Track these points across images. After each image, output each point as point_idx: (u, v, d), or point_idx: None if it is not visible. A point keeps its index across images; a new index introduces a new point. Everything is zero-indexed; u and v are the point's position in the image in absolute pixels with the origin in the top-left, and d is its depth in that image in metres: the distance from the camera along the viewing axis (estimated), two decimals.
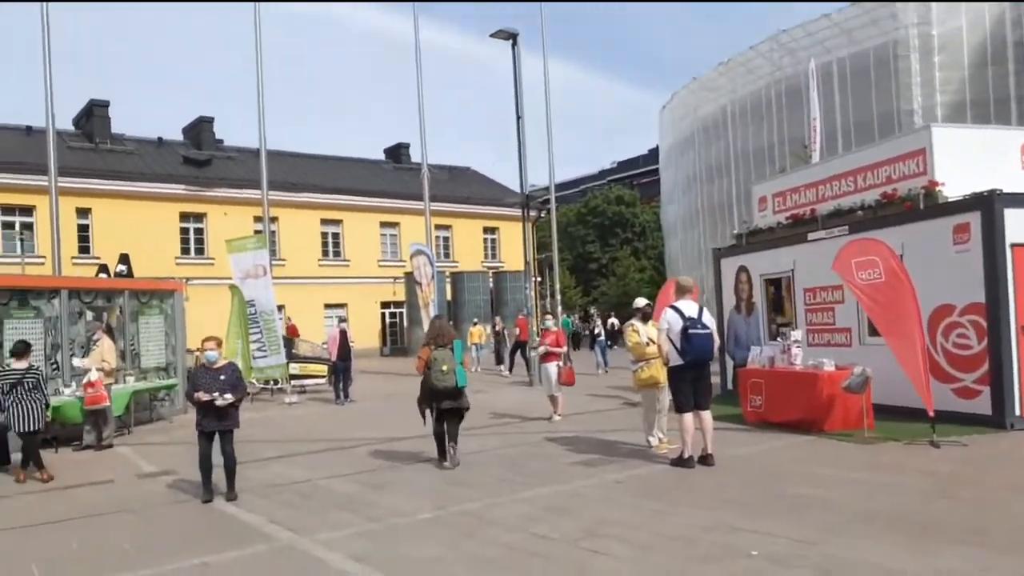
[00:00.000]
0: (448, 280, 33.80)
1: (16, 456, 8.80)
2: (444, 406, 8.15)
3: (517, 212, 39.65)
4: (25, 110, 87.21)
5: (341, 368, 15.91)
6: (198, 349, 19.69)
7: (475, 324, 24.12)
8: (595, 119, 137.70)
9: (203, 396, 6.83)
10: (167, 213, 30.52)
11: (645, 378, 8.12)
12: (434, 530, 5.71)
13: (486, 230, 40.09)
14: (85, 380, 10.44)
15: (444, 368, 7.96)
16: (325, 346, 20.02)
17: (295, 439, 11.01)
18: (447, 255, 37.10)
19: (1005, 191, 9.06)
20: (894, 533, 4.98)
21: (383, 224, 36.38)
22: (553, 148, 20.51)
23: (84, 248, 28.36)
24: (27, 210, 27.20)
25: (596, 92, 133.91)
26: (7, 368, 8.84)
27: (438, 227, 33.84)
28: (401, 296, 34.90)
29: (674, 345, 7.53)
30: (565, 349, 11.93)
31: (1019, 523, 5.16)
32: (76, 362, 11.26)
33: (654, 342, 8.02)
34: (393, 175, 39.83)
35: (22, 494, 7.80)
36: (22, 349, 8.87)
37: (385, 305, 36.04)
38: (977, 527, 5.05)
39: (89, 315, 12.22)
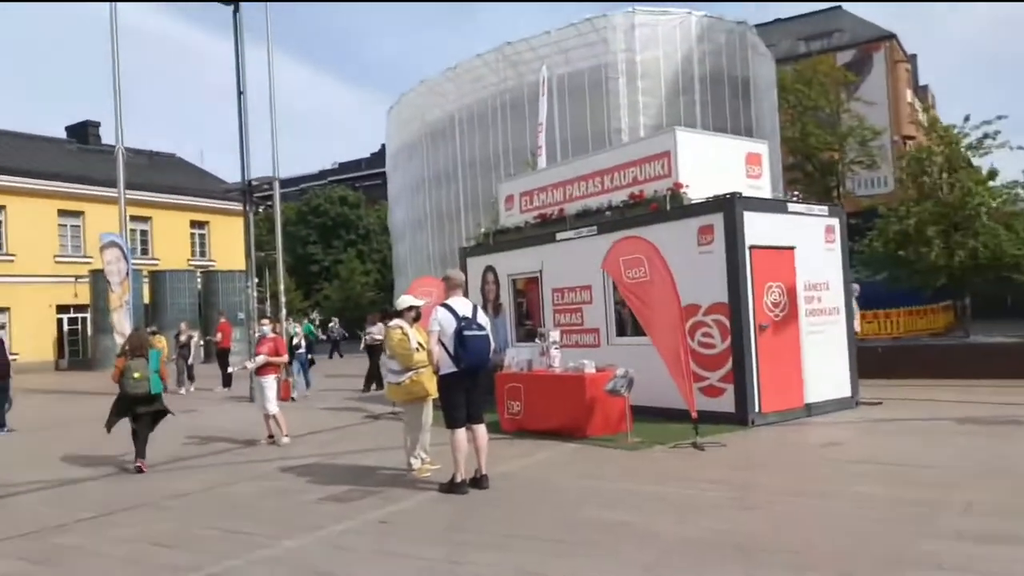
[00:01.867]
0: (146, 279, 29.36)
1: None
2: (139, 411, 8.46)
3: (230, 205, 36.24)
4: None
5: None
6: None
7: (154, 333, 17.88)
8: (313, 117, 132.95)
9: None
10: None
11: (416, 390, 6.92)
12: None
13: (194, 224, 35.85)
14: None
15: (136, 375, 8.33)
16: None
17: None
18: (145, 251, 32.39)
19: (744, 195, 9.45)
20: (726, 563, 4.39)
21: (63, 212, 30.65)
22: (276, 131, 18.37)
23: None
24: None
25: (314, 89, 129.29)
26: None
27: (135, 219, 29.19)
28: (85, 299, 29.61)
29: (447, 350, 6.45)
30: (285, 359, 10.53)
31: (831, 539, 4.89)
32: None
33: (423, 347, 6.86)
34: (77, 157, 33.96)
35: None
36: None
37: (63, 309, 30.37)
38: (794, 546, 4.67)
39: None
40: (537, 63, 31.90)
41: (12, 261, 28.81)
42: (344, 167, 74.23)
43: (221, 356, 18.76)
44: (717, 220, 9.40)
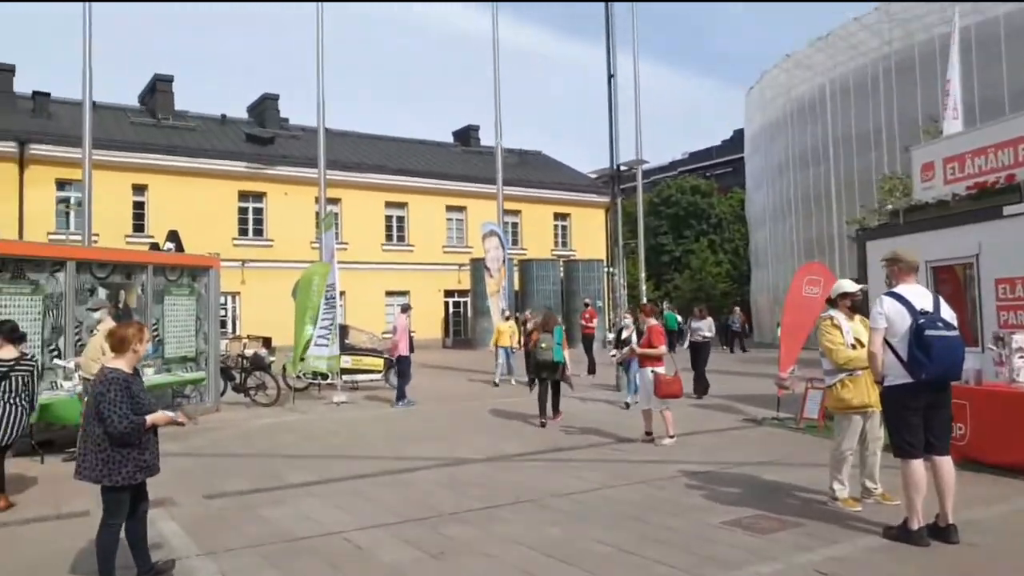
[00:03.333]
0: (516, 268, 31.39)
1: None
2: (544, 376, 10.44)
3: (590, 198, 37.34)
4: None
5: (406, 363, 13.59)
6: (247, 337, 18.09)
7: (506, 318, 17.16)
8: (663, 110, 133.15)
9: (167, 415, 4.30)
10: (225, 191, 29.04)
11: (848, 397, 5.45)
12: None
13: (557, 216, 37.52)
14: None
15: (544, 346, 10.36)
16: (386, 336, 17.83)
17: (337, 454, 8.78)
18: (515, 242, 34.56)
19: None
20: None
21: (449, 208, 34.22)
22: (640, 117, 17.85)
23: (139, 227, 27.08)
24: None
25: (663, 81, 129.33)
26: None
27: (507, 212, 31.29)
28: (466, 284, 32.70)
29: (897, 354, 4.88)
30: (663, 350, 9.23)
31: None
32: (58, 362, 9.30)
33: (862, 344, 5.37)
34: (461, 158, 37.70)
35: None
36: (8, 332, 6.81)
37: (449, 294, 33.90)
38: None
39: (102, 292, 10.24)
40: (931, 17, 27.16)
41: (412, 251, 32.98)
42: (694, 156, 72.54)
43: (586, 341, 18.82)
44: None
